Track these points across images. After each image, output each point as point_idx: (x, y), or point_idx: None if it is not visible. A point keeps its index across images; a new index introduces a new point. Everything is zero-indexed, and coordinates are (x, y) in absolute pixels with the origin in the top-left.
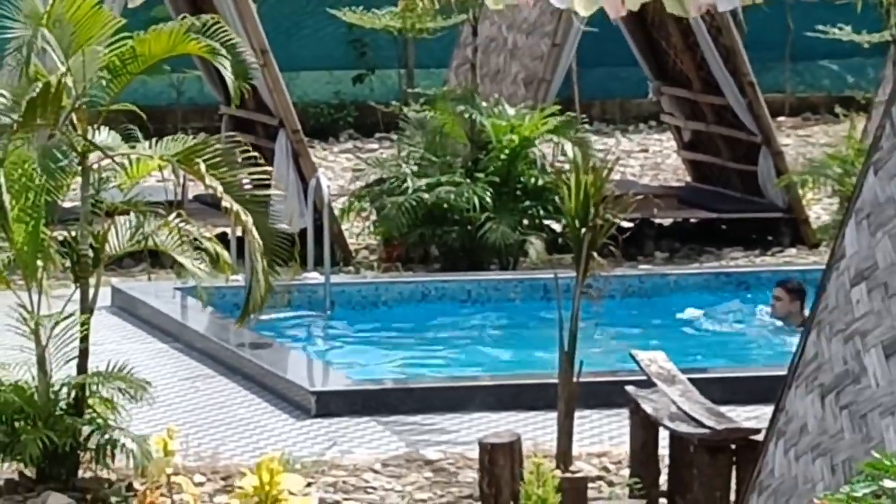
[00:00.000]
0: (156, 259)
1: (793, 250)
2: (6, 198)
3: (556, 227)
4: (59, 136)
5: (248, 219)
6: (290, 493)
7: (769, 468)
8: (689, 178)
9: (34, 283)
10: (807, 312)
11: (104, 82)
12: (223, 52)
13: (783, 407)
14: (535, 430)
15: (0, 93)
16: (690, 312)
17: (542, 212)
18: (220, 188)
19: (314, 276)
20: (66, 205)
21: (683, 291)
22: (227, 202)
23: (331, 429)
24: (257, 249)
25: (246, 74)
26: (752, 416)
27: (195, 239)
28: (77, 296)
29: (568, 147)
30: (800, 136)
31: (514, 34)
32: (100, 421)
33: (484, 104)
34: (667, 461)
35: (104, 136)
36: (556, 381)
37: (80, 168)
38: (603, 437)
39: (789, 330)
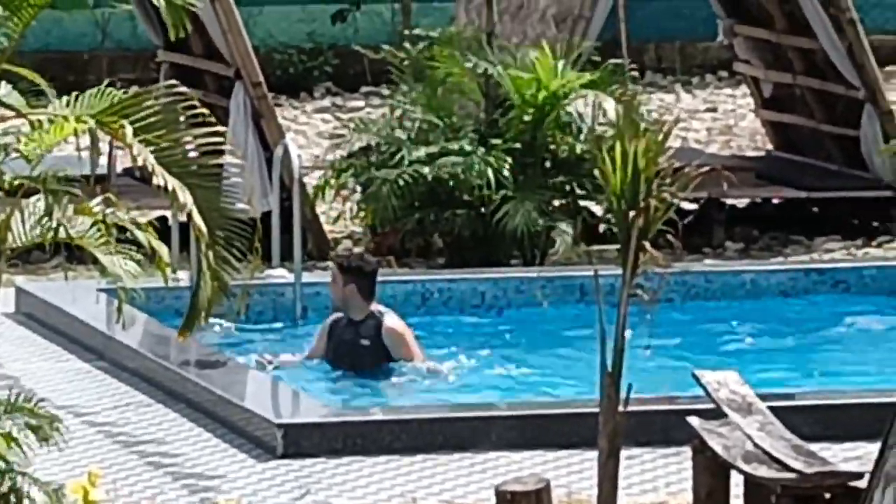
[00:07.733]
0: (74, 251)
1: None
2: None
3: (596, 209)
4: None
5: (188, 199)
6: None
7: None
8: (770, 146)
9: None
10: (375, 307)
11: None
12: None
13: (893, 444)
14: (569, 475)
15: None
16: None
17: (576, 190)
18: (150, 158)
19: (281, 274)
20: None
21: (763, 293)
22: (158, 178)
23: (302, 473)
24: (203, 238)
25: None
26: (852, 457)
27: (123, 227)
28: None
29: (609, 105)
30: None
31: None
32: (0, 464)
33: (502, 49)
34: None
35: (4, 90)
36: (596, 410)
37: None
38: (658, 482)
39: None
